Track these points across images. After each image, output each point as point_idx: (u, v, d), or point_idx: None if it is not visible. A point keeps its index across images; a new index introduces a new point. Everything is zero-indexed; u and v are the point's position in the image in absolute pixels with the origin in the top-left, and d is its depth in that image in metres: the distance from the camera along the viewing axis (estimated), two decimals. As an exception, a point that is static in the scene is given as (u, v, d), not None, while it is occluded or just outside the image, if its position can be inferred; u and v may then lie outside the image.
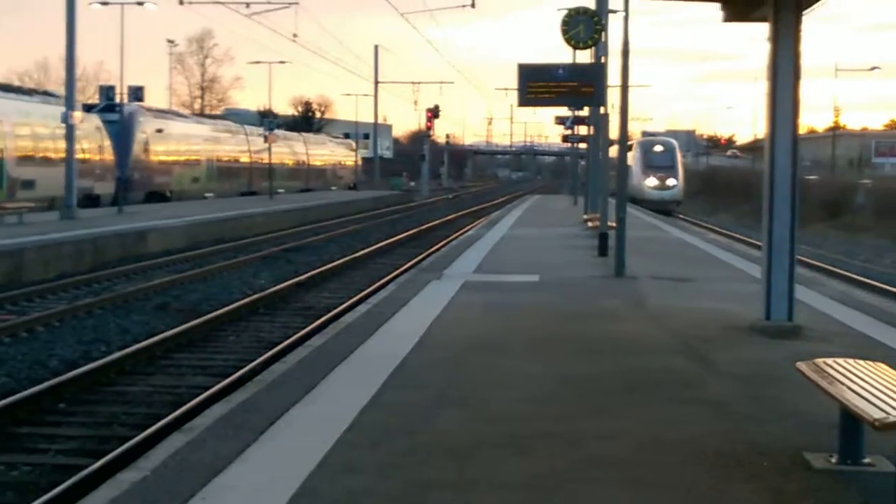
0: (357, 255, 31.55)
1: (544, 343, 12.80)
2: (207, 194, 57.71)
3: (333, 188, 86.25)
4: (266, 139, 61.37)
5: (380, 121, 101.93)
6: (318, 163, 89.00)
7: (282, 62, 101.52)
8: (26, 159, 39.88)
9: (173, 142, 56.70)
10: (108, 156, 47.59)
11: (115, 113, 45.95)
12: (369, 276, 26.56)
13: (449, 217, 55.30)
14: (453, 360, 11.52)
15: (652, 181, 67.06)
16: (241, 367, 14.26)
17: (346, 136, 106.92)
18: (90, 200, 43.82)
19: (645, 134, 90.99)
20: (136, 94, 42.55)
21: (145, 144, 52.19)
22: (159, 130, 54.28)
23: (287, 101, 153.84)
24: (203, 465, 7.36)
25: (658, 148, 70.21)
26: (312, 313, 19.73)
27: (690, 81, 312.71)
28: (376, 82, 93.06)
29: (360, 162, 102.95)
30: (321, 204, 55.24)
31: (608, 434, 8.41)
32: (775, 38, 13.20)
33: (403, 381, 10.38)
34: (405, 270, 25.10)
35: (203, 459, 7.52)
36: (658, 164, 67.85)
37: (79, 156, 39.16)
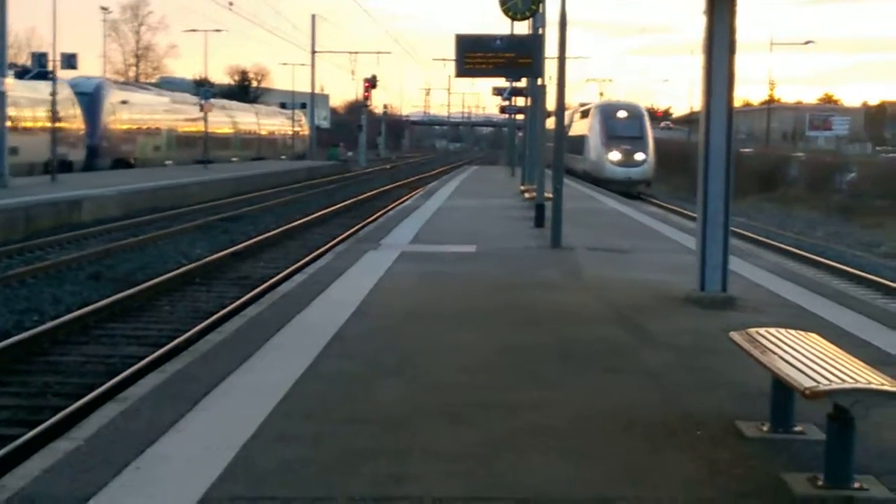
0: (294, 224, 31.44)
1: (481, 313, 12.83)
2: (167, 162, 59.65)
3: (283, 157, 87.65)
4: (202, 107, 60.92)
5: (317, 91, 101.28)
6: (267, 132, 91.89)
7: (218, 30, 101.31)
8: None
9: (137, 112, 59.78)
10: (81, 125, 51.33)
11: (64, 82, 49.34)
12: (306, 245, 26.50)
13: (386, 187, 55.22)
14: (390, 330, 11.53)
15: (615, 155, 56.07)
16: (176, 337, 14.18)
17: (283, 105, 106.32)
18: (65, 166, 46.70)
19: (582, 105, 78.45)
20: (69, 61, 42.03)
21: (112, 115, 55.67)
22: (124, 102, 57.48)
23: (223, 69, 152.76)
24: (138, 435, 7.32)
25: (622, 114, 58.95)
26: (249, 283, 19.66)
27: (627, 54, 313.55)
28: (313, 52, 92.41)
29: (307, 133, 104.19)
30: (257, 174, 54.92)
31: (544, 403, 8.46)
32: (711, 11, 13.27)
33: (340, 350, 10.38)
34: (342, 240, 25.04)
35: (138, 429, 7.48)
36: (623, 133, 56.94)
37: (66, 126, 47.13)
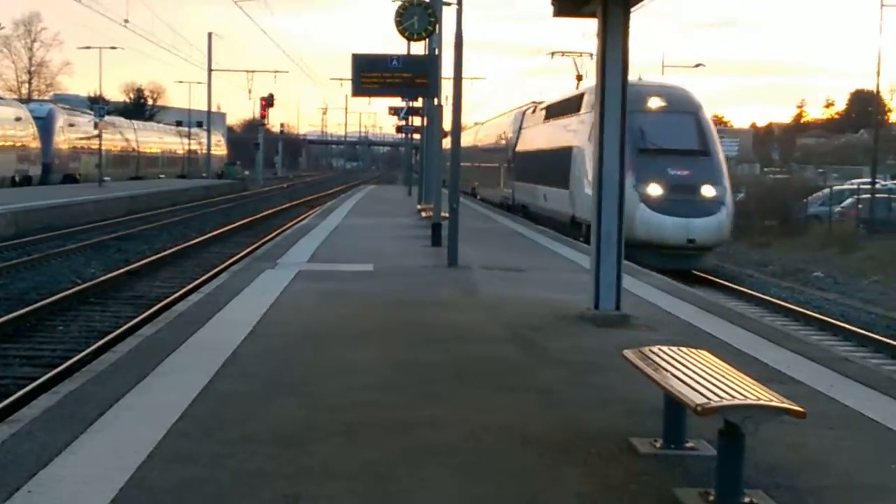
0: (190, 243, 31.21)
1: (378, 331, 12.85)
2: (105, 178, 63.63)
3: (204, 175, 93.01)
4: (135, 130, 63.72)
5: (214, 109, 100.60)
6: (182, 152, 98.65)
7: (113, 48, 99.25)
8: None
9: (81, 134, 68.07)
10: (38, 145, 59.95)
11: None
12: (202, 264, 26.32)
13: (284, 206, 55.02)
14: (287, 349, 11.50)
15: (657, 191, 28.05)
16: (69, 357, 14.01)
17: (179, 123, 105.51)
18: (26, 180, 56.88)
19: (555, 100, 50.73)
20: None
21: (62, 137, 64.56)
22: (71, 125, 65.89)
23: (119, 87, 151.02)
24: (30, 457, 7.22)
25: (660, 103, 29.89)
26: (144, 302, 19.48)
27: (524, 75, 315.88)
28: (210, 70, 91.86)
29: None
30: (153, 192, 54.39)
31: (440, 421, 8.50)
32: (603, 34, 13.47)
33: (236, 370, 10.33)
34: (239, 259, 24.90)
35: (30, 451, 7.38)
36: (670, 143, 28.92)
37: (25, 144, 57.38)
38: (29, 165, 58.71)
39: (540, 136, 38.70)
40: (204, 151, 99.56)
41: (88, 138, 67.59)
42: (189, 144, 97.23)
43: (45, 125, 61.43)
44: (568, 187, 31.84)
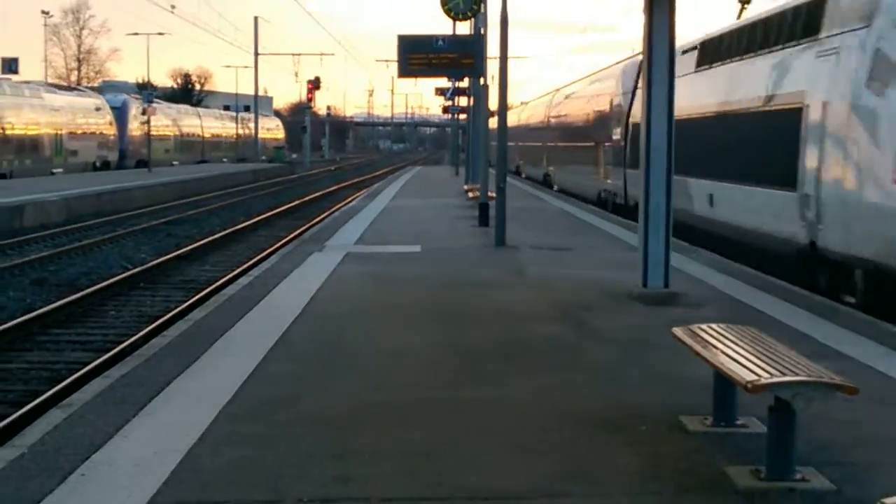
0: (239, 227, 31.34)
1: (426, 312, 12.86)
2: (174, 162, 73.25)
3: (263, 158, 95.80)
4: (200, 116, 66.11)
5: (261, 93, 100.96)
6: (242, 136, 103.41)
7: (160, 34, 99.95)
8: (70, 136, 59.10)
9: (154, 123, 69.03)
10: (115, 133, 66.63)
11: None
12: (251, 248, 26.43)
13: (331, 188, 55.11)
14: (336, 331, 11.54)
15: None
16: (120, 342, 14.11)
17: (226, 108, 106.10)
18: (105, 165, 63.16)
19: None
20: (10, 66, 41.73)
21: (135, 125, 68.96)
22: (143, 113, 66.08)
23: (166, 73, 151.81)
24: (82, 441, 7.29)
25: None
26: (194, 287, 19.59)
27: (568, 53, 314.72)
28: (256, 54, 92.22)
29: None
30: (202, 177, 54.62)
31: (491, 401, 8.50)
32: (650, 10, 13.38)
33: (286, 352, 10.38)
34: (287, 242, 24.99)
35: (82, 435, 7.45)
36: None
37: (104, 132, 64.24)
38: (108, 152, 64.95)
39: (697, 94, 22.99)
40: (263, 136, 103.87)
41: (159, 126, 72.26)
42: (248, 129, 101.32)
43: (120, 114, 67.13)
44: (795, 184, 16.63)
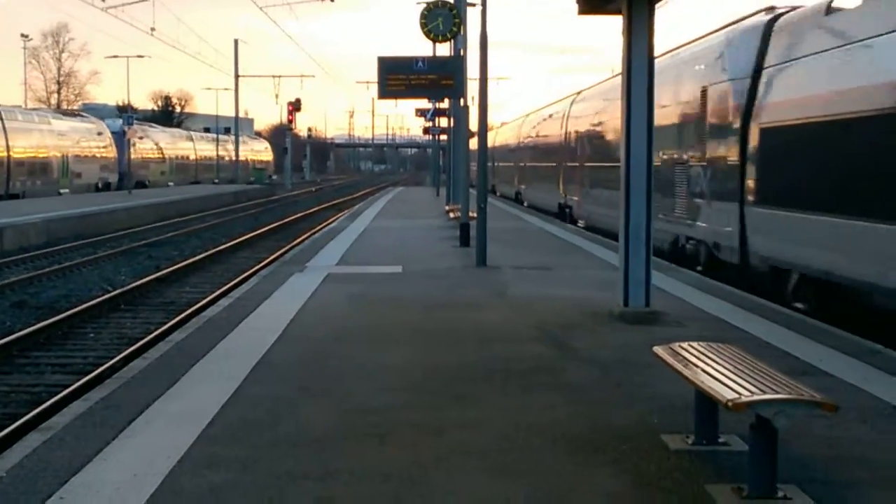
0: (219, 248, 31.28)
1: (407, 333, 12.84)
2: (170, 183, 79.50)
3: (251, 180, 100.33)
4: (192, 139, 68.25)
5: (241, 115, 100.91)
6: (232, 159, 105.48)
7: (140, 56, 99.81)
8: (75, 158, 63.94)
9: (149, 145, 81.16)
10: (115, 156, 70.73)
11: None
12: (232, 269, 26.37)
13: (312, 210, 55.08)
14: (316, 353, 11.50)
15: None
16: (101, 364, 14.05)
17: (207, 130, 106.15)
18: (106, 186, 67.14)
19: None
20: (-11, 88, 41.57)
21: (134, 148, 70.57)
22: (140, 138, 75.45)
23: (146, 95, 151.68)
24: (62, 465, 7.25)
25: None
26: (174, 308, 19.53)
27: (549, 73, 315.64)
28: (237, 76, 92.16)
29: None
30: (182, 199, 54.54)
31: (471, 423, 8.48)
32: (628, 31, 13.42)
33: (266, 374, 10.34)
34: (268, 263, 24.94)
35: (62, 458, 7.41)
36: None
37: (105, 155, 68.81)
38: (108, 174, 69.86)
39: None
40: (252, 158, 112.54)
41: (155, 149, 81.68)
42: (237, 152, 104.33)
43: (119, 138, 69.53)
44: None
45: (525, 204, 49.61)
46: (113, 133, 71.48)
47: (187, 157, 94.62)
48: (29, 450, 7.64)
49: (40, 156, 59.21)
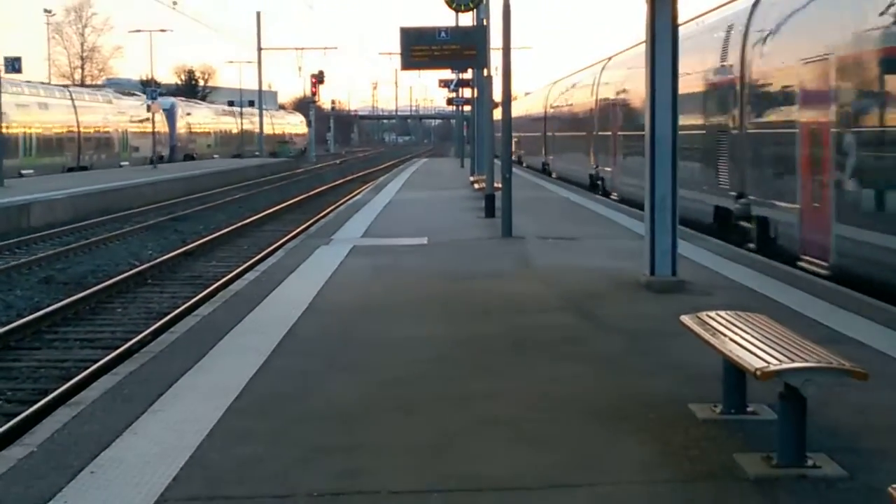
0: (245, 222, 31.35)
1: (433, 305, 12.85)
2: (215, 156, 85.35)
3: (275, 152, 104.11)
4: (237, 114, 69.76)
5: (265, 88, 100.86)
6: (274, 133, 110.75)
7: (162, 30, 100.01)
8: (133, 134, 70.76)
9: (196, 121, 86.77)
10: (166, 131, 76.61)
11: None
12: (258, 243, 26.42)
13: (337, 182, 55.11)
14: (343, 325, 11.52)
15: None
16: (129, 339, 14.11)
17: (231, 103, 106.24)
18: (160, 159, 68.18)
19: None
20: (14, 65, 41.68)
21: (182, 124, 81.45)
22: (188, 114, 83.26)
23: (170, 69, 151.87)
24: (91, 439, 7.29)
25: None
26: (201, 282, 19.58)
27: (573, 44, 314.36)
28: (259, 49, 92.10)
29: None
30: (207, 173, 54.65)
31: (498, 393, 8.48)
32: (652, 3, 13.32)
33: (293, 347, 10.36)
34: (294, 237, 24.98)
35: (91, 433, 7.45)
36: None
37: (158, 130, 69.30)
38: (162, 147, 74.15)
39: None
40: (289, 132, 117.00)
41: (202, 124, 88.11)
42: (279, 126, 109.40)
43: (169, 115, 77.52)
44: None
45: (553, 175, 47.72)
46: (164, 110, 75.41)
47: (230, 132, 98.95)
48: (59, 425, 7.68)
49: (105, 132, 66.15)
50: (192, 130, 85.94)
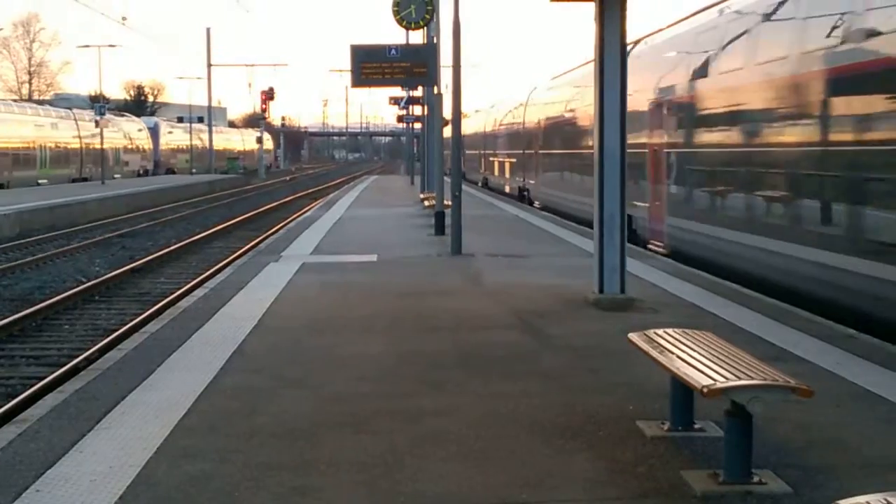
0: (194, 239, 31.20)
1: (383, 322, 12.84)
2: (193, 170, 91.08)
3: (268, 166, 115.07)
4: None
5: (214, 104, 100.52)
6: (240, 149, 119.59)
7: (111, 45, 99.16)
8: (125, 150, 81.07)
9: (175, 138, 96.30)
10: (150, 147, 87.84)
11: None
12: (206, 259, 26.31)
13: (287, 199, 54.95)
14: (292, 342, 11.50)
15: None
16: (75, 356, 14.01)
17: (180, 119, 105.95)
18: (145, 172, 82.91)
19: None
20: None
21: (164, 141, 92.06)
22: (170, 132, 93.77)
23: (119, 84, 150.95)
24: (37, 457, 7.23)
25: None
26: (149, 299, 19.48)
27: (521, 60, 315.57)
28: (209, 65, 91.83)
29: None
30: (156, 189, 54.36)
31: (446, 410, 8.50)
32: (601, 19, 13.42)
33: (242, 364, 10.33)
34: (243, 253, 24.89)
35: (37, 450, 7.39)
36: None
37: (144, 147, 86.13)
38: (146, 162, 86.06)
39: None
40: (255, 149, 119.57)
41: (180, 142, 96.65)
42: (245, 143, 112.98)
43: (153, 133, 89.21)
44: None
45: (489, 187, 53.13)
46: (149, 129, 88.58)
47: (205, 149, 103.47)
48: (4, 442, 7.61)
49: (105, 148, 71.41)
50: (173, 148, 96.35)
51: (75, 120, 69.52)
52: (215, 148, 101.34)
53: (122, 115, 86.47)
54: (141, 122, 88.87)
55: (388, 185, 59.74)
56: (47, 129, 63.95)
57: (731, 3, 18.75)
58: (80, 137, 69.39)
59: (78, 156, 69.36)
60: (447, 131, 27.10)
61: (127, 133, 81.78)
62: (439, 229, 24.38)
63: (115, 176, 72.80)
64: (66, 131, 67.93)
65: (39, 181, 58.39)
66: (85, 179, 67.15)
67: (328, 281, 16.56)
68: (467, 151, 60.49)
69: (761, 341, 11.13)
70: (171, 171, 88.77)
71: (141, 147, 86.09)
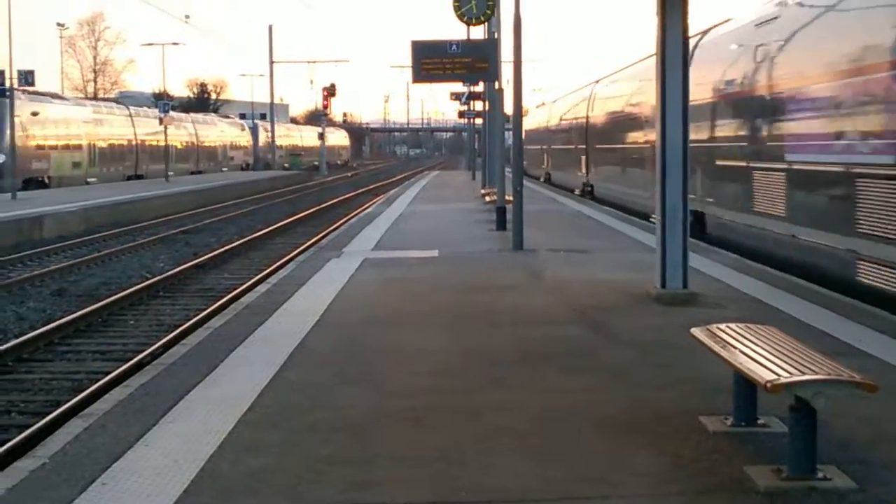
0: (256, 235, 31.40)
1: (444, 317, 12.85)
2: (286, 165, 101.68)
3: (339, 161, 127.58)
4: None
5: (276, 101, 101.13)
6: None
7: (175, 43, 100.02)
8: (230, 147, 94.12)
9: (285, 135, 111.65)
10: (250, 145, 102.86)
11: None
12: (269, 255, 26.46)
13: (348, 195, 55.14)
14: (353, 337, 11.54)
15: None
16: (140, 351, 14.14)
17: (242, 116, 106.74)
18: (247, 166, 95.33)
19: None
20: (27, 78, 41.84)
21: (261, 138, 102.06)
22: (265, 130, 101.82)
23: (182, 82, 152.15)
24: (103, 451, 7.31)
25: None
26: (212, 295, 19.62)
27: (584, 54, 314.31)
28: (271, 62, 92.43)
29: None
30: (219, 185, 54.75)
31: (508, 405, 8.49)
32: (663, 13, 13.36)
33: (303, 359, 10.38)
34: (305, 249, 25.00)
35: (103, 444, 7.47)
36: None
37: (245, 144, 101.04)
38: (248, 157, 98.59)
39: None
40: (336, 145, 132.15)
41: (275, 139, 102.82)
42: (273, 137, 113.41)
43: (253, 133, 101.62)
44: None
45: (552, 183, 52.80)
46: (249, 128, 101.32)
47: (296, 145, 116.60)
48: (71, 436, 7.70)
49: (215, 145, 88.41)
50: (268, 144, 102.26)
51: (130, 116, 69.34)
52: (306, 145, 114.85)
53: (229, 118, 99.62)
54: (243, 123, 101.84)
55: (450, 181, 59.78)
56: (145, 124, 68.70)
57: None
58: (197, 137, 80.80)
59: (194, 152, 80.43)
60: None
61: (231, 132, 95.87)
62: (500, 224, 24.35)
63: (223, 169, 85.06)
64: (119, 128, 66.92)
65: (88, 180, 57.46)
66: (199, 172, 75.47)
67: (389, 276, 16.60)
68: (529, 146, 60.36)
69: (825, 336, 11.02)
70: (267, 166, 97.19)
71: (242, 144, 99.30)
